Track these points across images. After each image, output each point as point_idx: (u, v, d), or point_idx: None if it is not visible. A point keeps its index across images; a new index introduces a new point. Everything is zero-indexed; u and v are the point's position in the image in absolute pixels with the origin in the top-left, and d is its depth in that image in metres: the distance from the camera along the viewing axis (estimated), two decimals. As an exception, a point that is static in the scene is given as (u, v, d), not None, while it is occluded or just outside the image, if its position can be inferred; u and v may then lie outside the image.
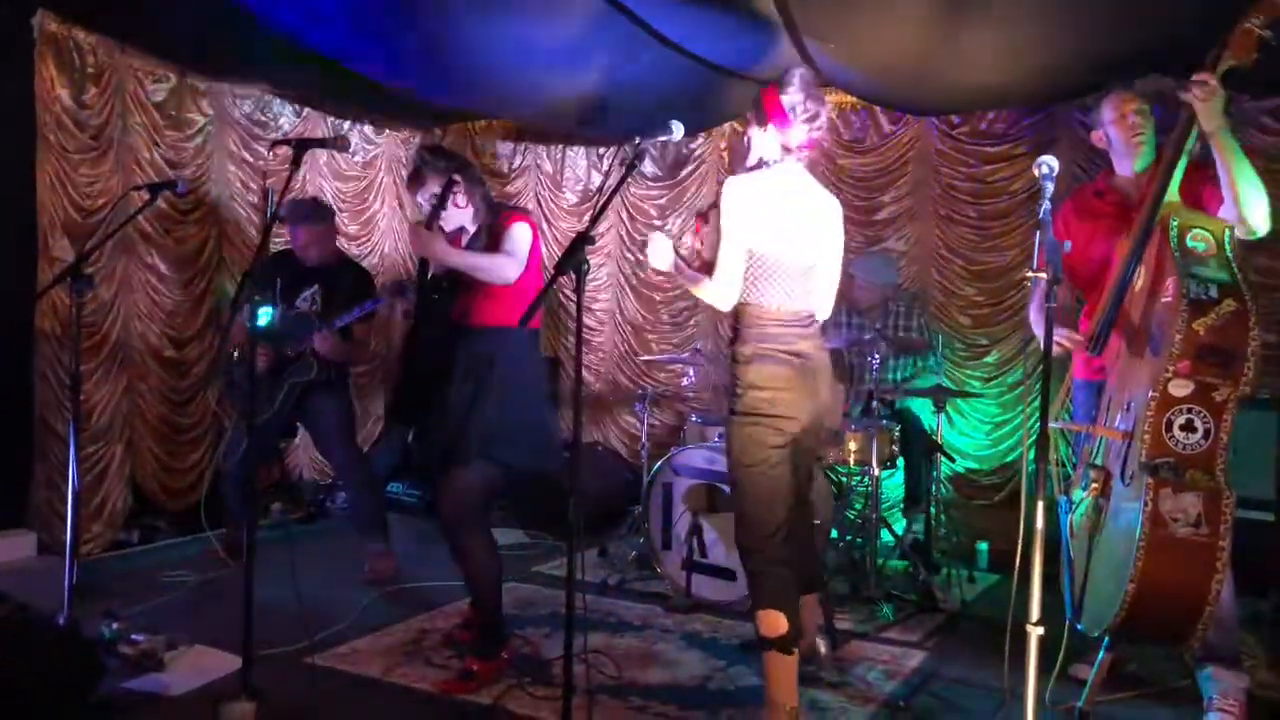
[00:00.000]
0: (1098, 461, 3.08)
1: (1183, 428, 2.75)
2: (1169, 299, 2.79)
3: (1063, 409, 3.57)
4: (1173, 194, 2.96)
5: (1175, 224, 2.86)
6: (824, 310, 3.10)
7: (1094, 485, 3.01)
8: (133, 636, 3.46)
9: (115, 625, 3.52)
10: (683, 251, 3.08)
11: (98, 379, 5.05)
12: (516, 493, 5.71)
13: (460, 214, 3.38)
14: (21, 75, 4.70)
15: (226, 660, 3.37)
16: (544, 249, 6.53)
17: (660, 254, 2.98)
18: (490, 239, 3.34)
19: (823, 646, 3.46)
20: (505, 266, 3.25)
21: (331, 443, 4.70)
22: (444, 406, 3.31)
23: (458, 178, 3.32)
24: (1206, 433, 2.74)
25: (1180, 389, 2.74)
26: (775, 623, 2.83)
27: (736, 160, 3.08)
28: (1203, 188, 3.02)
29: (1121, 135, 3.27)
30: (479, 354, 3.30)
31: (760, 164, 2.98)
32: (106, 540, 5.03)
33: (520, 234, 3.31)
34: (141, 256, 5.28)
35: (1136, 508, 2.74)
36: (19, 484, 4.77)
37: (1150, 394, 2.76)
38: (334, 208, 5.20)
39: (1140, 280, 2.97)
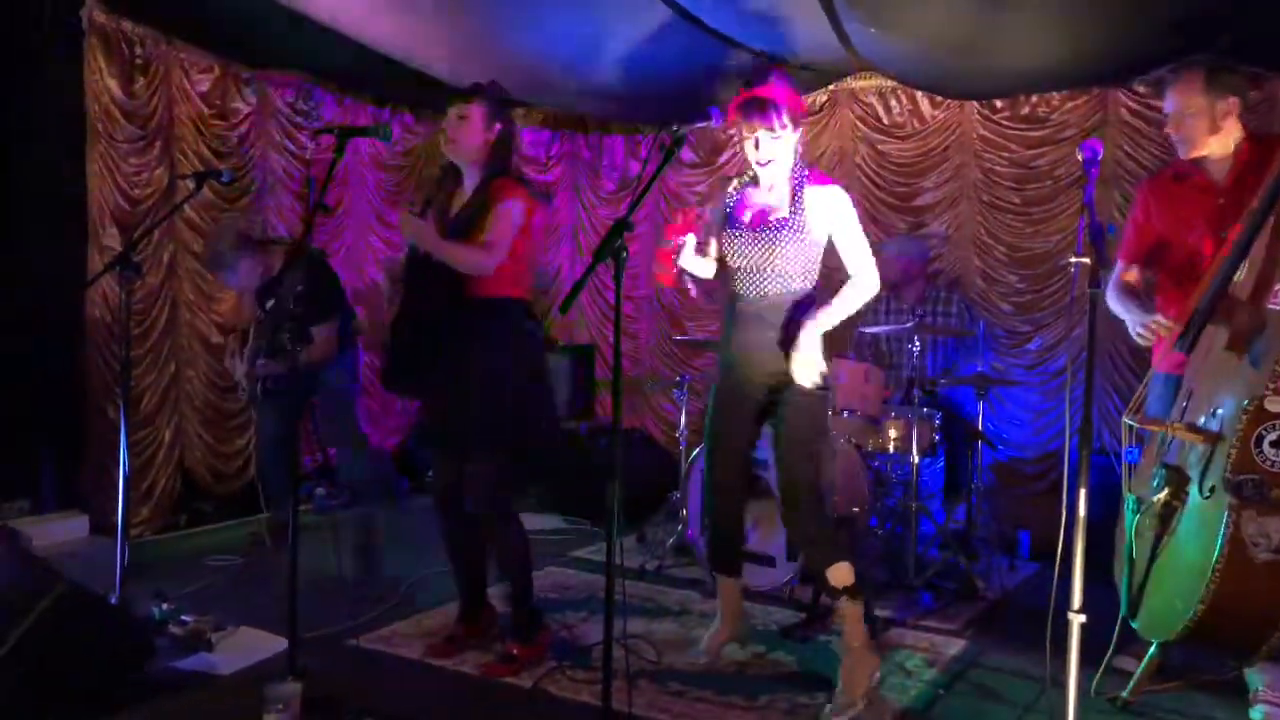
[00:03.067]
0: (1170, 460, 2.94)
1: (1274, 444, 2.61)
2: (1277, 306, 2.64)
3: (1139, 406, 3.30)
4: None
5: None
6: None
7: (1167, 489, 2.87)
8: (182, 617, 3.54)
9: (165, 606, 3.59)
10: (694, 261, 3.18)
11: (146, 365, 5.15)
12: (554, 479, 5.76)
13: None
14: (72, 67, 4.79)
15: (272, 641, 3.43)
16: (587, 226, 6.56)
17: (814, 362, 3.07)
18: (481, 212, 3.24)
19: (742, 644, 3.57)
20: (481, 261, 3.18)
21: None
22: (441, 387, 3.29)
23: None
24: None
25: (1277, 405, 2.60)
26: (846, 571, 3.08)
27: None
28: None
29: (1169, 132, 3.16)
30: (471, 327, 3.23)
31: (798, 162, 3.14)
32: (156, 523, 5.14)
33: (508, 218, 3.22)
34: (188, 245, 5.37)
35: (1214, 525, 2.62)
36: (72, 468, 4.89)
37: (1244, 405, 2.62)
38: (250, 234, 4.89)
39: (1244, 275, 2.77)
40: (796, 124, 3.10)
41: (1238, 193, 2.97)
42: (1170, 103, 3.13)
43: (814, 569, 3.13)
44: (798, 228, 3.08)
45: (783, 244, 3.08)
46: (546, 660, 3.39)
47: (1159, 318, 3.01)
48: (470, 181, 3.34)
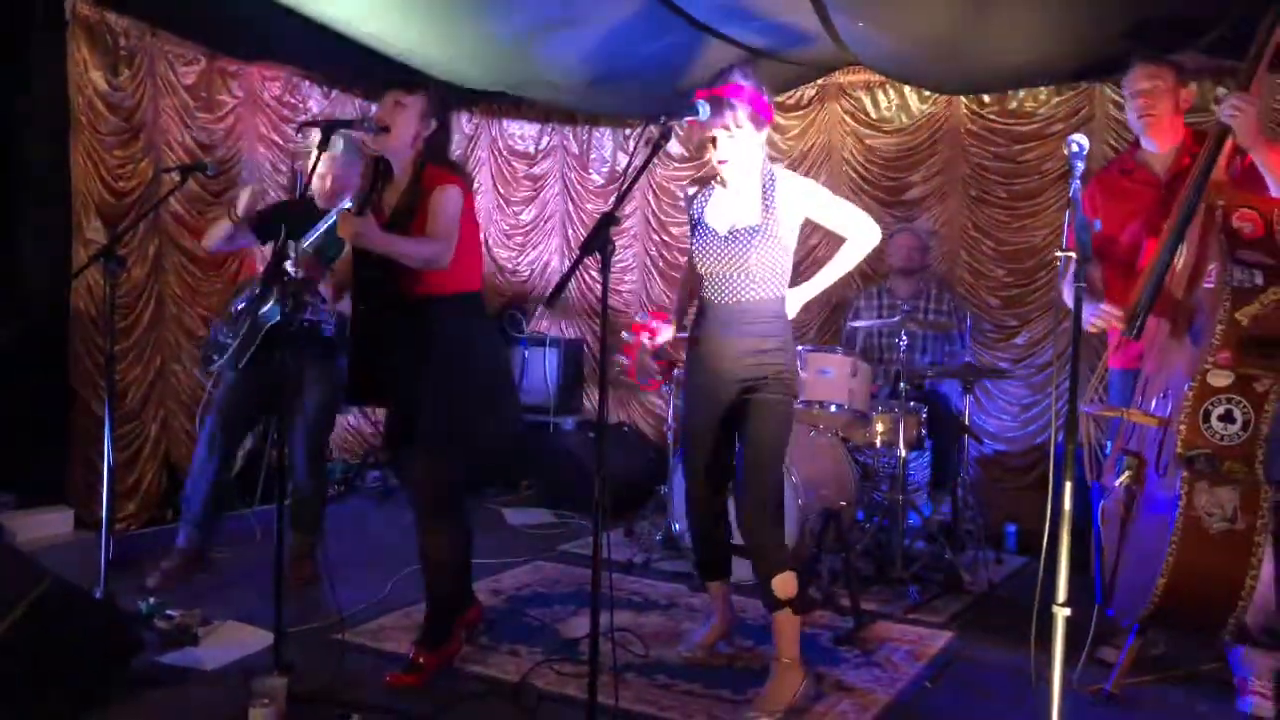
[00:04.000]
0: (1132, 447, 3.00)
1: (1221, 418, 2.66)
2: (1211, 284, 2.69)
3: (1095, 395, 3.49)
4: (1219, 170, 2.85)
5: (1221, 204, 2.74)
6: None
7: (1127, 473, 2.93)
8: (168, 611, 3.52)
9: (151, 600, 3.58)
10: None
11: (132, 359, 5.12)
12: (540, 473, 5.77)
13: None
14: (55, 58, 4.75)
15: (259, 635, 3.42)
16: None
17: None
18: (417, 203, 3.17)
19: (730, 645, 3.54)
20: (437, 252, 3.11)
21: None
22: (398, 385, 3.23)
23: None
24: (1246, 424, 2.64)
25: (1220, 379, 2.65)
26: (790, 582, 3.04)
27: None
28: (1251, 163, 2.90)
29: (1131, 113, 3.22)
30: (426, 327, 3.18)
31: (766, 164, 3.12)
32: (142, 517, 5.12)
33: (448, 205, 3.13)
34: (174, 238, 5.33)
35: (1170, 500, 2.67)
36: (56, 462, 4.86)
37: (1188, 384, 2.67)
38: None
39: (1182, 261, 2.86)
40: (758, 124, 3.02)
41: (1177, 186, 3.04)
42: (1137, 80, 3.19)
43: (761, 575, 3.07)
44: (769, 234, 3.04)
45: (754, 250, 3.04)
46: (454, 661, 3.31)
47: (1106, 305, 3.06)
48: (401, 176, 3.26)
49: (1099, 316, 3.05)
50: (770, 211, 3.05)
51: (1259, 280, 2.63)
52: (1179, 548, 2.61)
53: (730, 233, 3.09)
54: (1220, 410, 2.66)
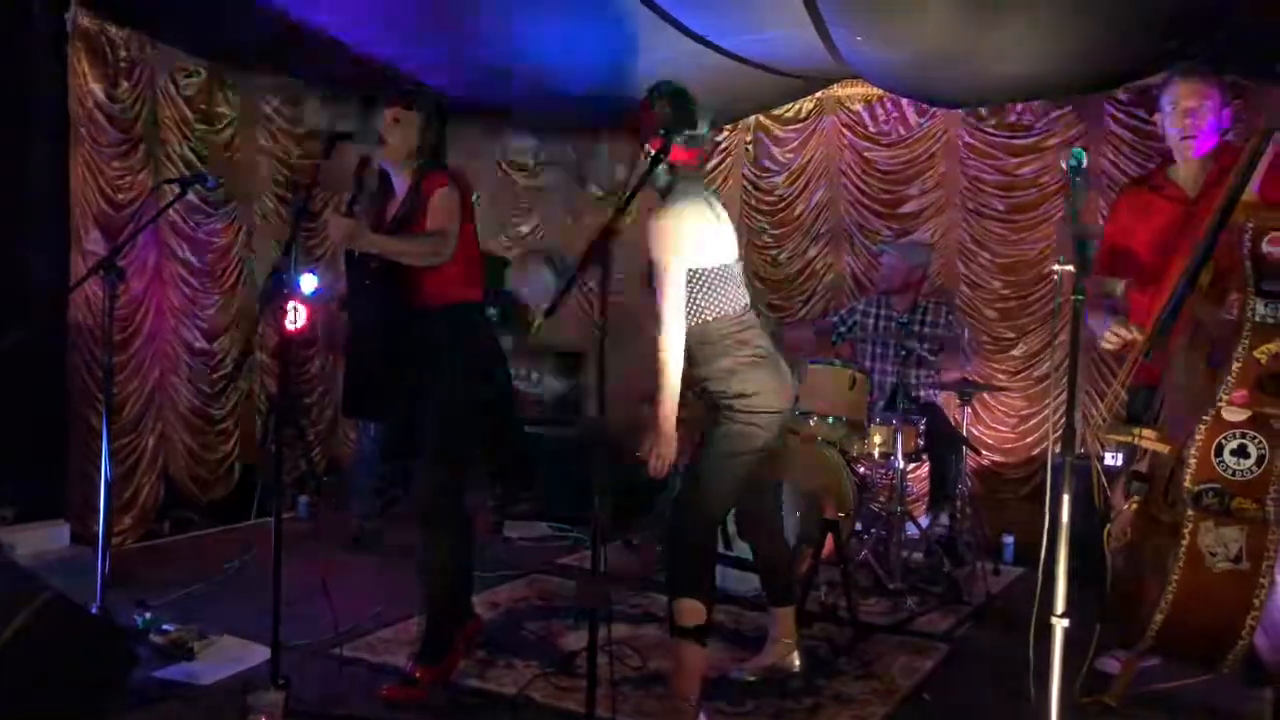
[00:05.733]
0: (1142, 469, 2.92)
1: (1234, 453, 2.56)
2: (1233, 316, 2.58)
3: (1112, 413, 3.26)
4: (1250, 192, 2.70)
5: (1250, 227, 2.58)
6: (747, 296, 3.10)
7: (1135, 499, 2.86)
8: (163, 626, 3.51)
9: (147, 614, 3.57)
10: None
11: (130, 371, 5.12)
12: (538, 485, 5.75)
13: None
14: (56, 70, 4.76)
15: (255, 650, 3.40)
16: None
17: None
18: (416, 209, 3.16)
19: (797, 659, 3.36)
20: (435, 247, 3.08)
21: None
22: (399, 399, 3.21)
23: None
24: (1260, 459, 2.54)
25: (1235, 414, 2.55)
26: (696, 611, 2.86)
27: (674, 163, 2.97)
28: None
29: (1172, 130, 3.09)
30: (427, 338, 3.16)
31: (670, 185, 2.97)
32: (139, 531, 5.10)
33: (443, 202, 3.10)
34: (173, 250, 5.34)
35: (1175, 532, 2.60)
36: (54, 475, 4.84)
37: (1202, 416, 2.58)
38: None
39: (1207, 280, 2.73)
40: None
41: (1206, 202, 2.96)
42: (1183, 97, 3.04)
43: (669, 593, 2.92)
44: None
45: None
46: (452, 674, 3.27)
47: (1115, 327, 2.98)
48: (401, 186, 3.26)
49: (1112, 332, 2.98)
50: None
51: None
52: (1180, 583, 2.55)
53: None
54: (1234, 444, 2.57)
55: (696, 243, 2.90)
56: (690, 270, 2.88)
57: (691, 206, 2.93)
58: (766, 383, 2.92)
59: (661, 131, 2.85)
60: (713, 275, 2.91)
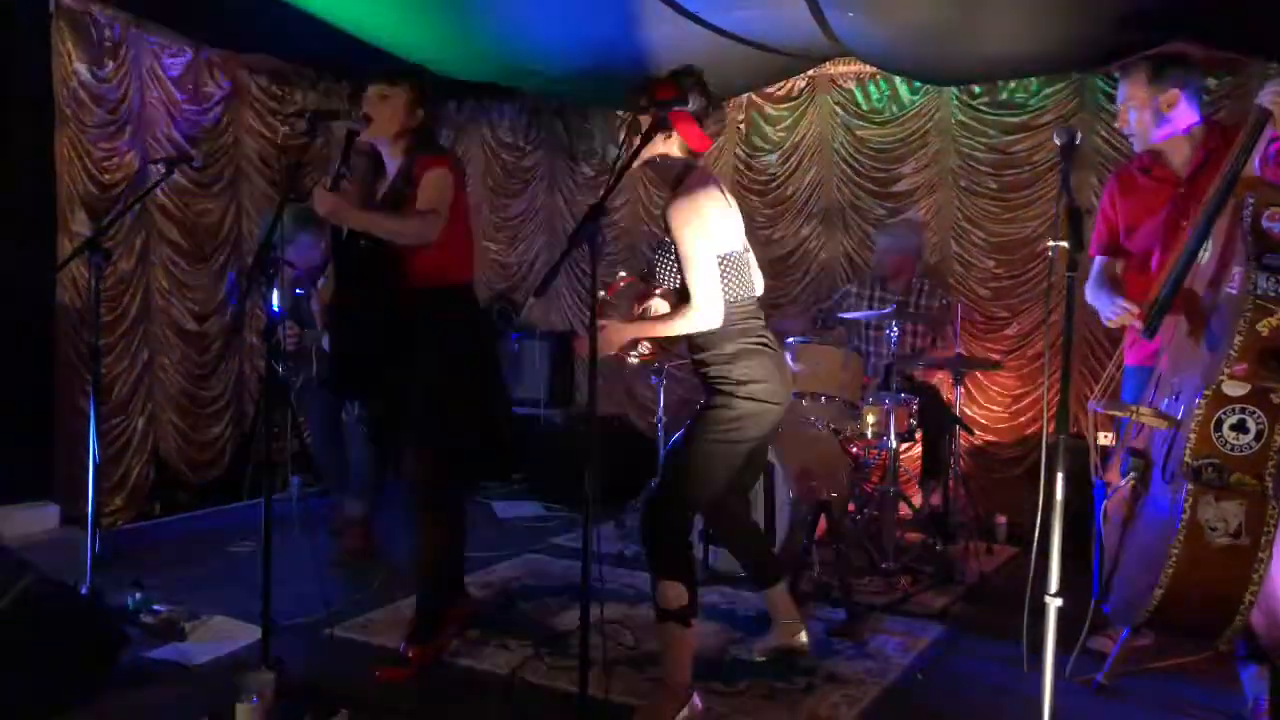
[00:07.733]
0: (1139, 446, 2.93)
1: (1233, 428, 2.56)
2: (1234, 290, 2.57)
3: (1106, 391, 3.28)
4: (1250, 168, 2.68)
5: (1251, 202, 2.58)
6: (761, 286, 3.10)
7: (1133, 474, 2.86)
8: (154, 606, 3.50)
9: (138, 595, 3.56)
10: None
11: (119, 352, 5.09)
12: (531, 466, 5.75)
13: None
14: (39, 50, 4.71)
15: (247, 631, 3.39)
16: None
17: (612, 339, 2.87)
18: (407, 190, 3.14)
19: (804, 636, 3.34)
20: (424, 226, 3.05)
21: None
22: (387, 378, 3.19)
23: (356, 128, 3.17)
24: (1259, 434, 2.54)
25: (1235, 389, 2.55)
26: (680, 593, 2.83)
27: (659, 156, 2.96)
28: None
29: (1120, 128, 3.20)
30: (416, 320, 3.14)
31: (687, 169, 2.96)
32: (130, 512, 5.09)
33: (437, 182, 3.09)
34: (161, 231, 5.30)
35: (1174, 507, 2.60)
36: (42, 456, 4.82)
37: (1202, 391, 2.58)
38: None
39: (1206, 258, 2.73)
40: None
41: (1198, 181, 2.97)
42: (1119, 96, 3.16)
43: (650, 573, 2.91)
44: (665, 247, 2.95)
45: (666, 263, 2.96)
46: (444, 655, 3.28)
47: (1124, 302, 2.98)
48: (392, 166, 3.23)
49: (1116, 313, 2.98)
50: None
51: None
52: (1179, 558, 2.54)
53: (657, 248, 3.06)
54: (1233, 420, 2.57)
55: (719, 228, 2.88)
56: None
57: (708, 192, 2.91)
58: (771, 373, 2.90)
59: (689, 110, 2.87)
60: (727, 261, 2.88)
